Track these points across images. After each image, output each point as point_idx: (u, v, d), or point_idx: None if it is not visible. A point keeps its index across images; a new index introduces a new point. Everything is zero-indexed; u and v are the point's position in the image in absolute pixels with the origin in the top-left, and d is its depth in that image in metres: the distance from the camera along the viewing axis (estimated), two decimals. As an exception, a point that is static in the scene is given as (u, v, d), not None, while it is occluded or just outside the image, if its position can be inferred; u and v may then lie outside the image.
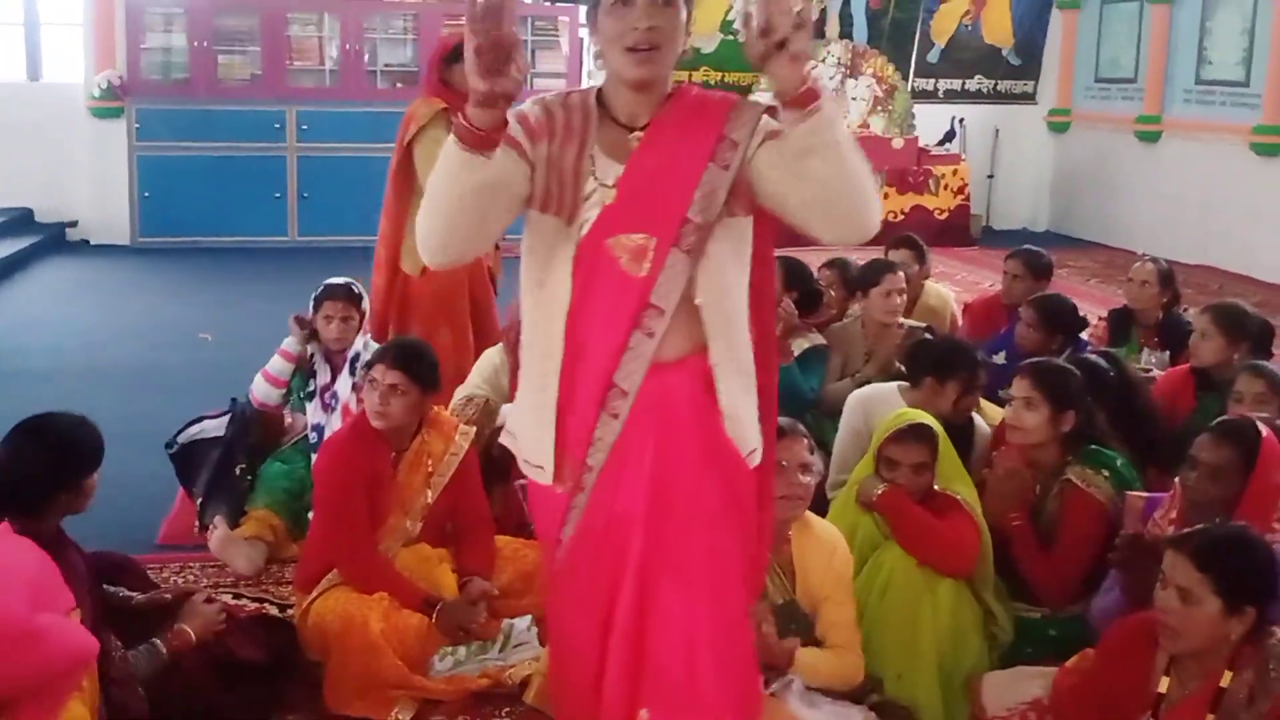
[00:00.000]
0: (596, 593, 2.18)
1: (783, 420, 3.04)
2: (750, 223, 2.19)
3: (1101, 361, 4.07)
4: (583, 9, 9.94)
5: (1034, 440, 3.52)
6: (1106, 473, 3.42)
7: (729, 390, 2.18)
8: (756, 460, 2.27)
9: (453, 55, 4.89)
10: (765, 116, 2.13)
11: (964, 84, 11.82)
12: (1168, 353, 4.91)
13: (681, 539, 2.14)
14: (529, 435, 2.23)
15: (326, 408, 4.20)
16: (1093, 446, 3.50)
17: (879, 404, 3.93)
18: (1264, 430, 3.00)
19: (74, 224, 10.11)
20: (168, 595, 3.19)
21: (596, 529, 2.17)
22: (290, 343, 4.30)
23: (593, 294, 2.13)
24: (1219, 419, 3.23)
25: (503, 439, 2.35)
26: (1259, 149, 9.44)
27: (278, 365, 4.28)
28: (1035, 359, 3.89)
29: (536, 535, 2.43)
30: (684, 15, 2.12)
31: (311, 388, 4.28)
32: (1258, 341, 4.44)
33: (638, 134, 2.15)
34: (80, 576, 2.68)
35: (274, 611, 3.61)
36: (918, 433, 3.26)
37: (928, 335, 4.81)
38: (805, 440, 3.01)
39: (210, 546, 3.95)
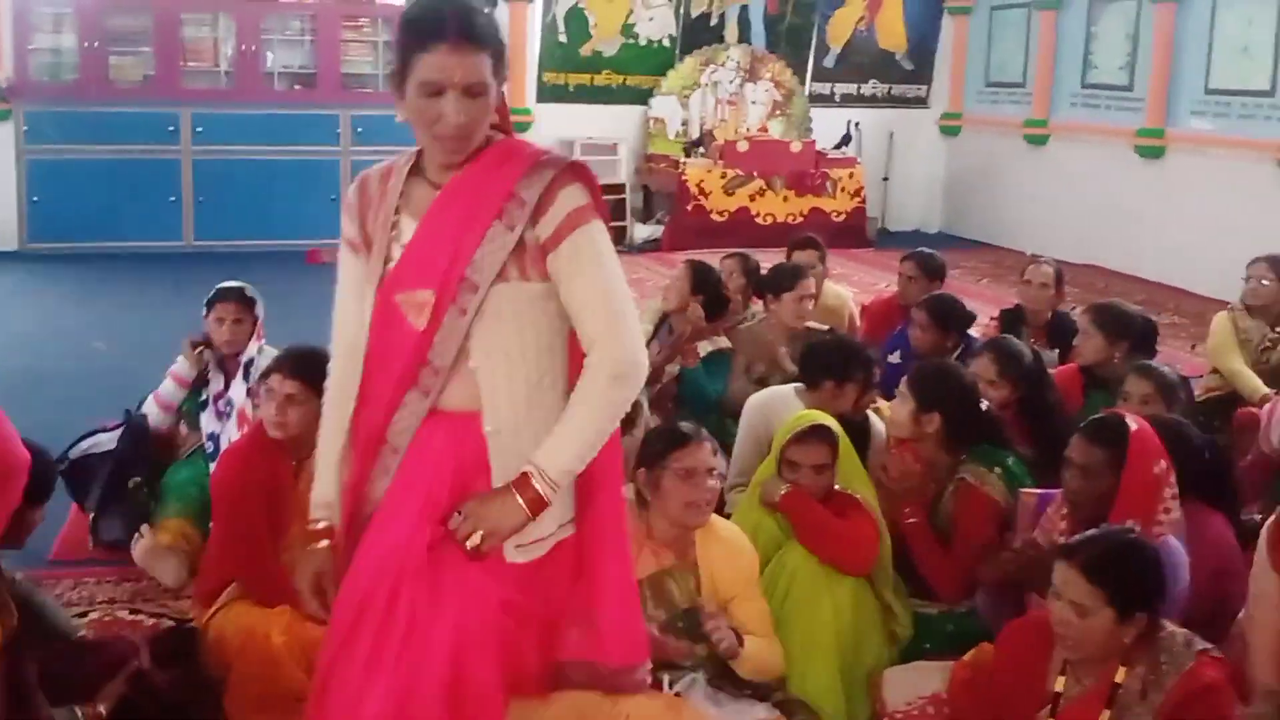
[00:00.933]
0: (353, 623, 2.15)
1: (686, 426, 3.10)
2: (542, 290, 2.11)
3: (1021, 345, 4.22)
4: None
5: (903, 435, 3.64)
6: (999, 471, 3.52)
7: (509, 469, 2.10)
8: (567, 533, 2.21)
9: None
10: (567, 187, 2.09)
11: (859, 88, 12.01)
12: (1056, 351, 5.07)
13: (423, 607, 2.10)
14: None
15: (221, 415, 4.13)
16: (986, 445, 3.61)
17: (777, 407, 4.00)
18: (1133, 424, 3.07)
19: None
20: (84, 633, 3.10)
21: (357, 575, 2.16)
22: (181, 366, 4.23)
23: (382, 348, 2.15)
24: (1089, 419, 3.32)
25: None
26: (1142, 151, 9.74)
27: (169, 389, 4.22)
28: (927, 361, 4.01)
29: None
30: (494, 97, 2.08)
31: (205, 396, 4.20)
32: (1139, 339, 4.59)
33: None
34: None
35: (172, 625, 3.57)
36: (819, 434, 3.33)
37: (827, 336, 4.91)
38: (709, 445, 3.04)
39: (135, 557, 3.87)
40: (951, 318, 4.78)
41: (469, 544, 2.07)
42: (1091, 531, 2.68)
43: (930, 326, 4.73)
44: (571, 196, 2.10)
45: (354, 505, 2.22)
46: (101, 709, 2.90)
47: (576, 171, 2.13)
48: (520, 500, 2.06)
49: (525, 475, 2.07)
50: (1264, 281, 5.13)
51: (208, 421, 4.16)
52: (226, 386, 4.18)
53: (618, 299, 2.13)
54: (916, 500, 3.55)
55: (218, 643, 3.17)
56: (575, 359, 2.16)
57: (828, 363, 3.97)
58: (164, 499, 4.05)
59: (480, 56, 2.03)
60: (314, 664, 3.07)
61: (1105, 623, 2.50)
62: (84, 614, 3.64)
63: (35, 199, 9.41)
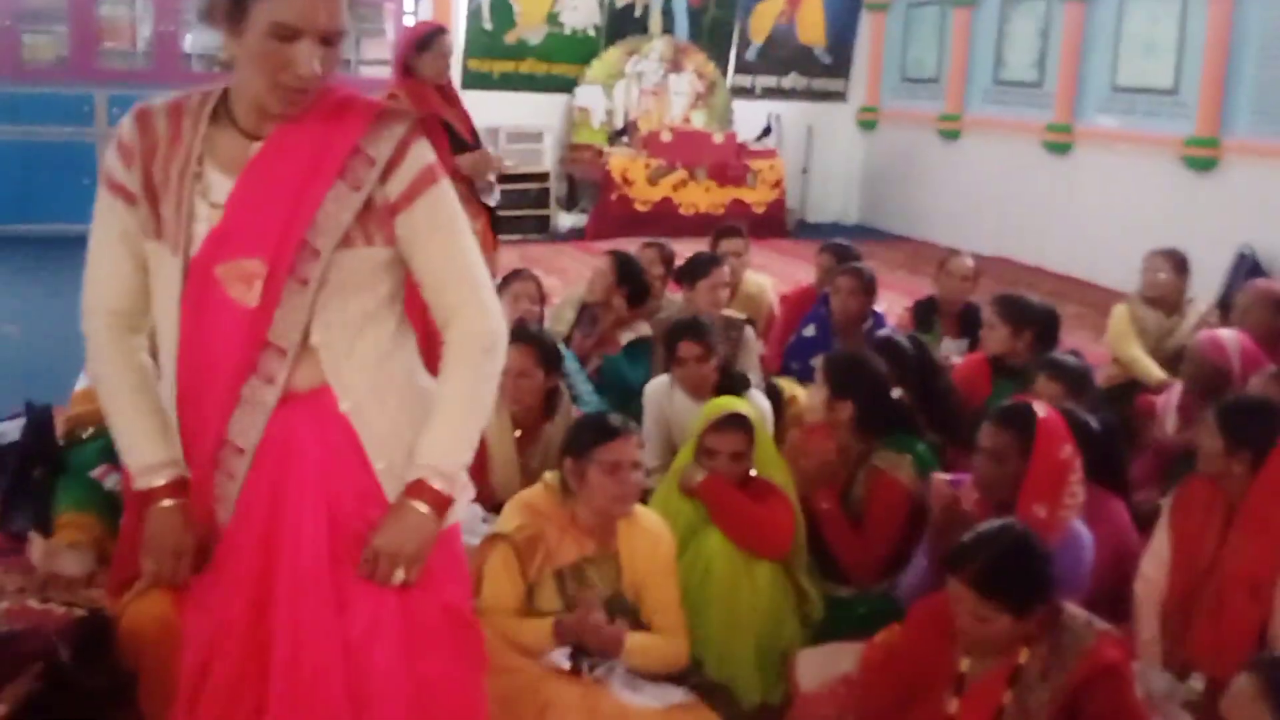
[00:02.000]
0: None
1: (614, 418, 3.11)
2: (387, 255, 1.91)
3: (904, 341, 4.31)
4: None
5: (816, 419, 3.72)
6: (910, 457, 3.61)
7: (386, 442, 1.93)
8: (459, 514, 2.04)
9: (421, 44, 4.86)
10: (417, 143, 1.89)
11: (780, 81, 12.10)
12: (967, 340, 5.19)
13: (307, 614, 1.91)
14: None
15: None
16: (898, 433, 3.70)
17: (660, 391, 4.20)
18: (1041, 411, 3.14)
19: None
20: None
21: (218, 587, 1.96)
22: None
23: (202, 331, 1.86)
24: (998, 405, 3.41)
25: None
26: (1051, 147, 9.93)
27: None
28: (840, 349, 4.10)
29: None
30: (343, 48, 1.85)
31: None
32: (1043, 329, 4.71)
33: (258, 144, 1.86)
34: None
35: (83, 614, 3.53)
36: (735, 422, 3.38)
37: (748, 326, 4.99)
38: (635, 437, 3.07)
39: (35, 563, 3.79)
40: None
41: (395, 581, 1.90)
42: (976, 534, 2.68)
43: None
44: (422, 152, 1.90)
45: (208, 508, 1.94)
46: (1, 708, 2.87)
47: (425, 128, 1.93)
48: (424, 509, 1.89)
49: (419, 482, 1.90)
50: (1160, 274, 5.29)
51: None
52: None
53: (477, 266, 1.95)
54: (829, 485, 3.63)
55: (132, 634, 3.10)
56: (418, 328, 2.01)
57: (677, 339, 4.12)
58: (58, 494, 3.97)
59: (337, 1, 1.79)
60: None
61: (1004, 625, 2.54)
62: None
63: (-56, 180, 9.18)
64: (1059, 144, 9.88)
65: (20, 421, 4.11)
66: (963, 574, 2.56)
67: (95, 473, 4.01)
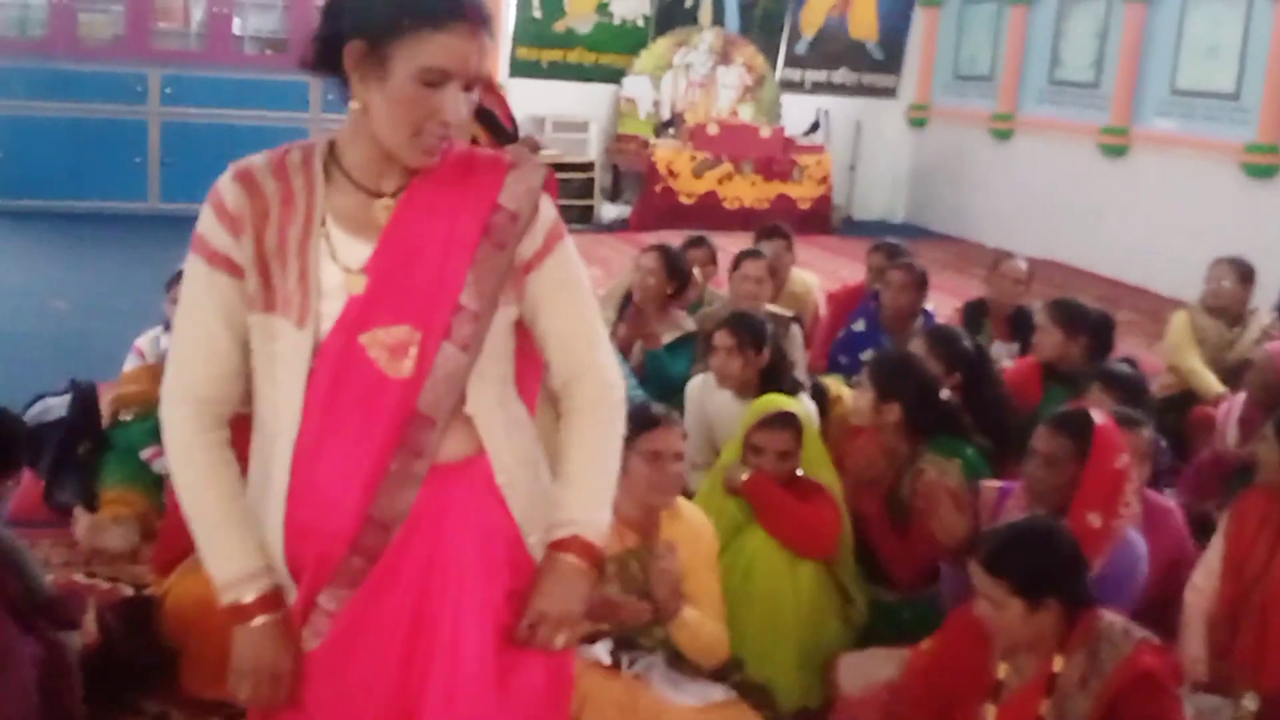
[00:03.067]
0: None
1: (657, 408, 3.10)
2: (516, 313, 1.81)
3: (958, 331, 4.26)
4: None
5: (863, 422, 3.68)
6: (958, 462, 3.56)
7: (534, 519, 1.83)
8: None
9: None
10: (545, 198, 1.80)
11: (829, 76, 12.03)
12: (1018, 344, 5.12)
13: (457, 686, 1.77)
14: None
15: None
16: (946, 436, 3.65)
17: (699, 388, 4.18)
18: (1099, 418, 3.10)
19: None
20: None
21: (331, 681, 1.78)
22: (143, 340, 4.17)
23: (338, 409, 1.70)
24: (1054, 411, 3.35)
25: None
26: (1106, 149, 9.82)
27: (133, 364, 4.18)
28: (887, 350, 4.05)
29: None
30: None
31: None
32: (1096, 334, 4.64)
33: (388, 201, 1.73)
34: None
35: (129, 591, 3.56)
36: (783, 420, 3.35)
37: (794, 323, 4.95)
38: (678, 428, 3.05)
39: (78, 537, 3.83)
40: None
41: (558, 646, 1.80)
42: (994, 529, 2.69)
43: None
44: (548, 207, 1.81)
45: (309, 587, 1.76)
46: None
47: (552, 179, 1.85)
48: (581, 563, 1.80)
49: (575, 537, 1.80)
50: (1224, 283, 5.20)
51: None
52: None
53: (599, 325, 1.88)
54: (877, 488, 3.59)
55: (175, 613, 3.14)
56: (522, 383, 1.88)
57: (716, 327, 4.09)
58: (101, 472, 4.00)
59: (485, 42, 1.68)
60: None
61: (1016, 613, 2.52)
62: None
63: (-1, 155, 9.29)
64: (1115, 147, 9.75)
65: (66, 398, 4.13)
66: (977, 555, 2.57)
67: (145, 454, 4.04)
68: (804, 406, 3.75)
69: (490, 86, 5.33)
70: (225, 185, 1.73)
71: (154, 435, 4.03)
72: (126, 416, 4.12)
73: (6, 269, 7.71)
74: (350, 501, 1.71)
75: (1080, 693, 2.49)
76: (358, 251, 1.72)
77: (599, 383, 1.85)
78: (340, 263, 1.71)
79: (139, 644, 3.13)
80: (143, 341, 4.19)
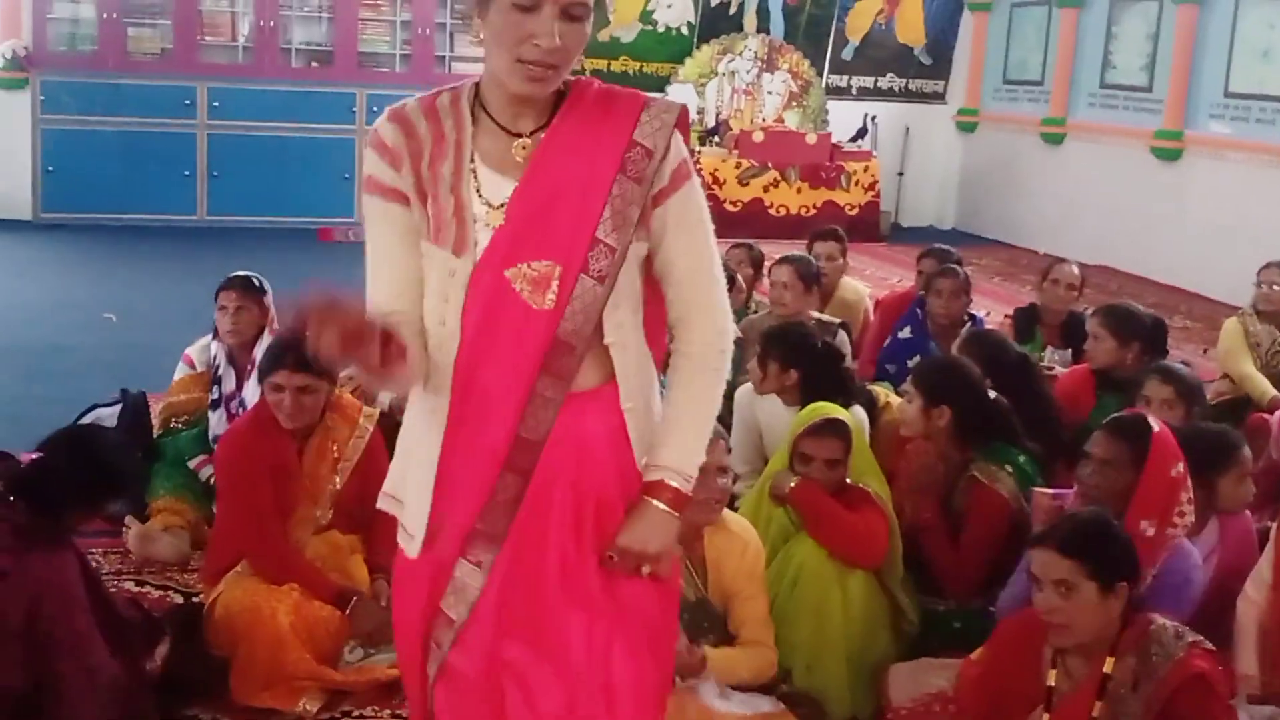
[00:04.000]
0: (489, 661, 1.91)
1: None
2: (645, 249, 1.90)
3: (998, 335, 4.19)
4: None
5: (913, 432, 3.63)
6: (1010, 469, 3.50)
7: (646, 442, 1.93)
8: None
9: None
10: (677, 134, 1.87)
11: (876, 81, 11.95)
12: (1070, 350, 5.04)
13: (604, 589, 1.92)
14: (408, 498, 1.95)
15: (233, 418, 3.98)
16: (997, 443, 3.60)
17: (752, 396, 4.11)
18: (1156, 425, 3.06)
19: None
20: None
21: (492, 601, 1.89)
22: (193, 349, 4.18)
23: (490, 335, 1.84)
24: (1111, 416, 3.31)
25: (381, 503, 2.03)
26: (1159, 153, 9.69)
27: (182, 371, 4.20)
28: (925, 359, 4.00)
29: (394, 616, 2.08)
30: (589, 27, 1.81)
31: (216, 394, 4.10)
32: (1150, 340, 4.57)
33: (525, 141, 1.84)
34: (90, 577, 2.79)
35: (179, 600, 3.58)
36: (832, 428, 3.32)
37: (841, 331, 4.90)
38: (722, 442, 3.03)
39: (129, 546, 3.85)
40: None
41: (643, 575, 1.91)
42: (1050, 522, 2.72)
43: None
44: (680, 145, 1.88)
45: (460, 514, 1.88)
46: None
47: (685, 116, 1.91)
48: (664, 507, 1.89)
49: (660, 482, 1.89)
50: (1275, 286, 5.12)
51: (217, 423, 4.05)
52: (239, 386, 4.08)
53: (718, 266, 1.94)
54: (929, 496, 3.54)
55: (224, 621, 3.16)
56: (650, 323, 1.97)
57: (780, 346, 4.03)
58: (152, 481, 4.02)
59: None
60: (320, 643, 3.10)
61: (1091, 597, 2.51)
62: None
63: (50, 169, 9.41)
64: (1168, 151, 9.61)
65: (117, 408, 4.17)
66: (1049, 541, 2.57)
67: (193, 463, 4.07)
68: (854, 415, 3.71)
69: None
70: (383, 126, 1.88)
71: (201, 444, 4.07)
72: (177, 425, 4.16)
73: (58, 281, 7.81)
74: (504, 421, 1.84)
75: (1132, 696, 2.48)
76: (502, 188, 1.84)
77: (709, 326, 1.92)
78: (485, 198, 1.83)
79: (189, 652, 3.15)
80: (192, 350, 4.22)
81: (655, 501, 1.90)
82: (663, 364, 2.00)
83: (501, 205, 1.83)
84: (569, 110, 1.85)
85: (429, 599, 1.92)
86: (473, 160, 1.84)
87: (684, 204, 1.88)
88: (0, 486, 2.81)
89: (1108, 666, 2.52)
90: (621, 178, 1.82)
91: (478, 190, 1.83)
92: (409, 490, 1.95)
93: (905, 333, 5.10)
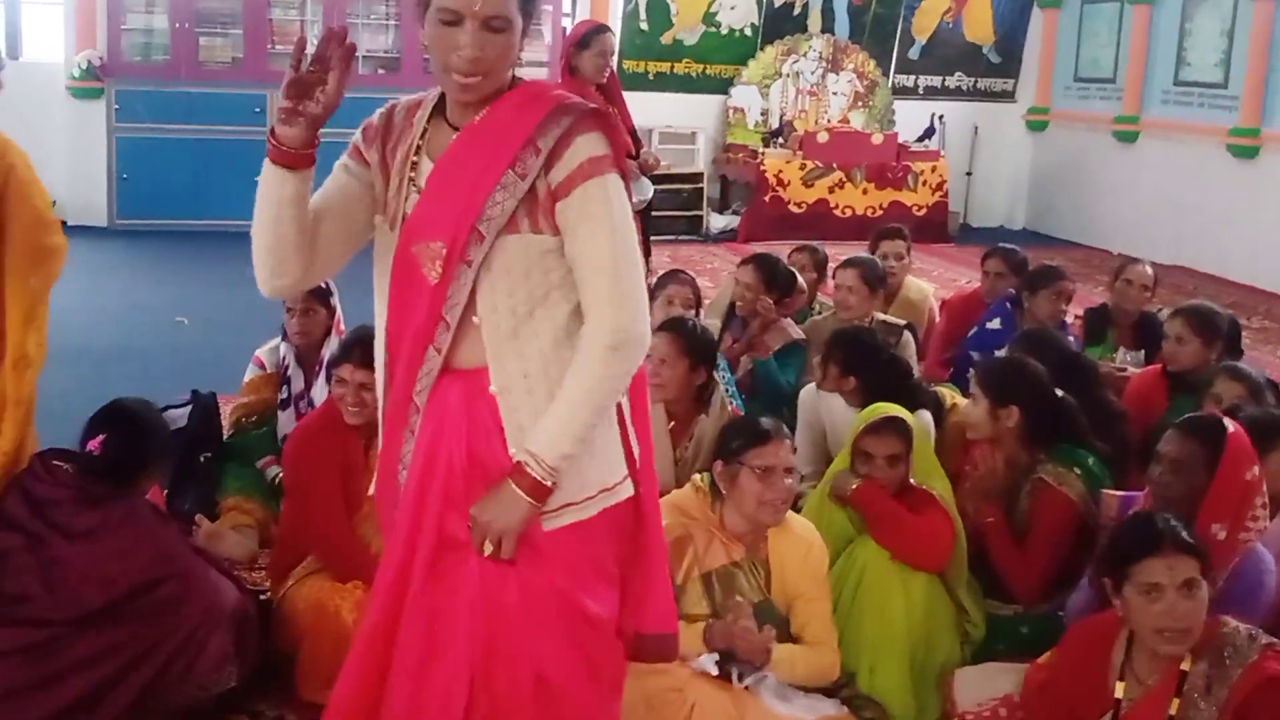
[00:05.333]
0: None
1: (767, 423, 3.06)
2: (554, 244, 2.02)
3: (1054, 335, 4.13)
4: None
5: (980, 435, 3.57)
6: (1078, 471, 3.44)
7: (524, 430, 2.03)
8: (625, 494, 2.15)
9: (581, 42, 4.97)
10: (584, 135, 1.98)
11: (944, 81, 11.84)
12: (1143, 352, 4.95)
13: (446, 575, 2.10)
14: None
15: (302, 418, 3.98)
16: (1066, 445, 3.53)
17: (817, 397, 4.06)
18: (1231, 426, 3.00)
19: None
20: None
21: (395, 552, 2.14)
22: (263, 351, 4.25)
23: (401, 304, 2.08)
24: (1186, 415, 3.26)
25: None
26: (1235, 151, 9.50)
27: (252, 372, 4.26)
28: (988, 360, 3.94)
29: None
30: (517, 35, 1.98)
31: (285, 394, 4.16)
32: (1230, 340, 4.47)
33: (456, 134, 2.06)
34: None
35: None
36: (892, 425, 3.28)
37: (907, 331, 4.85)
38: (788, 442, 3.01)
39: (200, 545, 3.89)
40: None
41: (485, 552, 2.02)
42: (1138, 527, 2.69)
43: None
44: (589, 144, 1.99)
45: (387, 468, 2.18)
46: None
47: (598, 119, 2.02)
48: (519, 491, 2.00)
49: (519, 465, 2.00)
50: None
51: (285, 422, 4.10)
52: (308, 386, 4.14)
53: (622, 260, 1.99)
54: (995, 499, 3.49)
55: (290, 618, 3.20)
56: None
57: (845, 351, 3.99)
58: (221, 481, 4.09)
59: None
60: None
61: (1207, 593, 2.52)
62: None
63: (124, 176, 9.61)
64: (1244, 148, 9.42)
65: (188, 409, 4.23)
66: (1166, 545, 2.53)
67: (260, 462, 4.12)
68: (920, 418, 3.66)
69: (615, 97, 5.37)
70: (373, 115, 2.14)
71: (270, 443, 4.13)
72: (247, 425, 4.21)
73: (132, 286, 7.96)
74: (402, 387, 2.09)
75: (1205, 698, 2.45)
76: (428, 174, 2.06)
77: (601, 321, 2.00)
78: (416, 184, 2.06)
79: (257, 648, 3.19)
80: (262, 352, 4.28)
81: (510, 482, 2.01)
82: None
83: (422, 189, 2.05)
84: (495, 108, 2.01)
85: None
86: (418, 152, 2.06)
87: (584, 200, 1.98)
88: (73, 469, 2.96)
89: (1186, 665, 2.49)
90: (510, 172, 1.97)
91: (412, 177, 2.06)
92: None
93: (994, 324, 5.02)
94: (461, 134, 2.02)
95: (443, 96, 2.08)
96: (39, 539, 2.83)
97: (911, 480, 3.30)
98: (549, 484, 2.00)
